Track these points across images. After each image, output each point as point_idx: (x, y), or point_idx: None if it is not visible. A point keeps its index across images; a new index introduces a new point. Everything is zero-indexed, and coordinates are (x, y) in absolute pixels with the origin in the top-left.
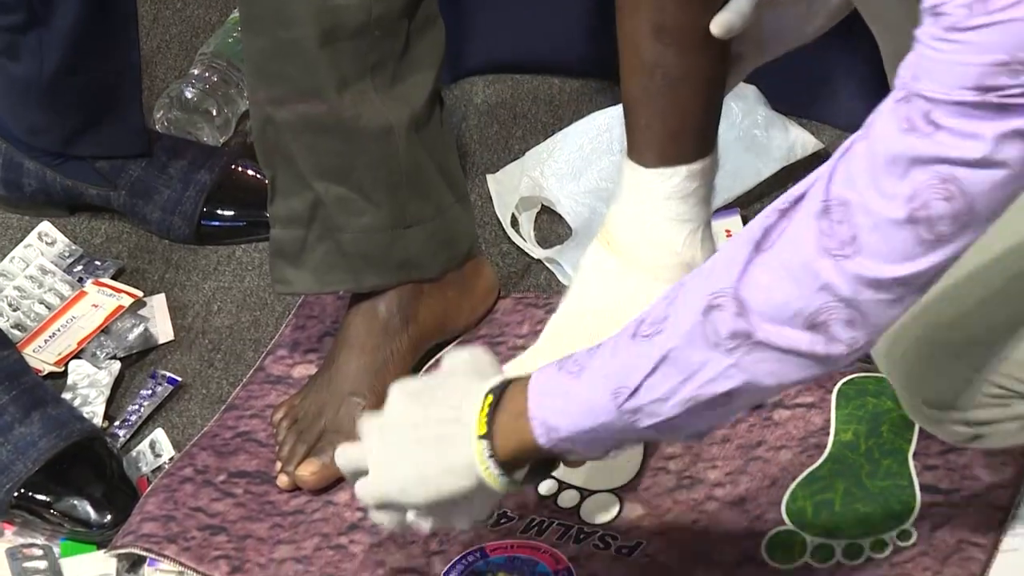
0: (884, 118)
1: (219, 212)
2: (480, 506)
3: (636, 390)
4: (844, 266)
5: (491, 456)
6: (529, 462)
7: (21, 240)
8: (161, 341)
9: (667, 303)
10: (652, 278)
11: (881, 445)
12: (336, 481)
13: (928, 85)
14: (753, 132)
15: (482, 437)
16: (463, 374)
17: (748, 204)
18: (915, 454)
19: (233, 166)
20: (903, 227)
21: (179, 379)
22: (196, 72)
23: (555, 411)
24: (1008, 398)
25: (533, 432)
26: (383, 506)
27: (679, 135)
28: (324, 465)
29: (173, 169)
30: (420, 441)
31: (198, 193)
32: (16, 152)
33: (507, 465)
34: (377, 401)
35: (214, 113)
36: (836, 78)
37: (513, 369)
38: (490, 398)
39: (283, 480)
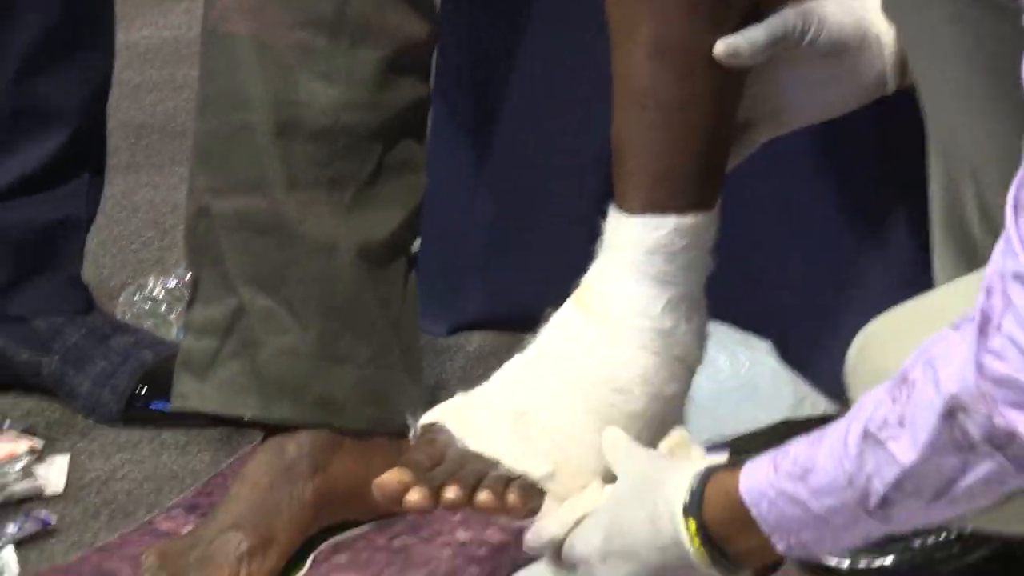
0: None
1: (152, 394)
2: None
3: (888, 500)
4: None
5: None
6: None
7: None
8: (48, 493)
9: (885, 403)
10: (622, 340)
11: None
12: None
13: None
14: (756, 382)
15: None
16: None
17: (741, 449)
18: None
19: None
20: None
21: (51, 521)
22: (179, 269)
23: (793, 521)
24: None
25: (773, 546)
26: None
27: (671, 176)
28: None
29: (115, 342)
30: (638, 540)
31: (135, 369)
32: None
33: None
34: (260, 544)
35: (171, 322)
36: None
37: (449, 408)
38: (692, 525)
39: None
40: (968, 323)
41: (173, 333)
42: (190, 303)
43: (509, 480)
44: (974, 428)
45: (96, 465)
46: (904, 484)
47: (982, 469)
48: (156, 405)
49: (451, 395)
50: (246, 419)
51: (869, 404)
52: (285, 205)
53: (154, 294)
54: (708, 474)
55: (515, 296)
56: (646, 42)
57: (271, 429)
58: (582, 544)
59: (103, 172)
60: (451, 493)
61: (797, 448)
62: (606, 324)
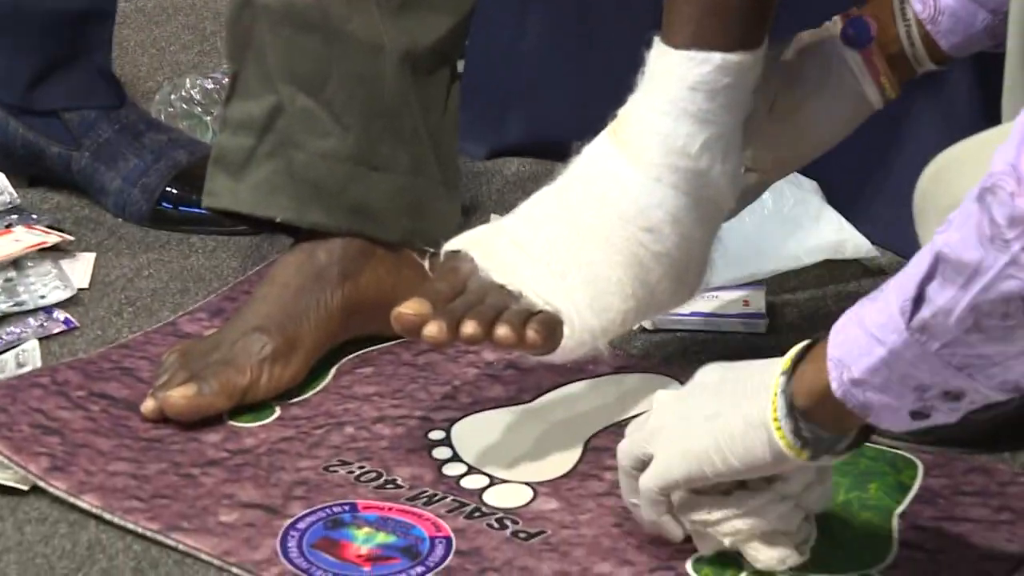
0: None
1: (184, 195)
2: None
3: (918, 300)
4: None
5: (788, 411)
6: (830, 425)
7: None
8: (69, 294)
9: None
10: (654, 177)
11: (864, 500)
12: (211, 419)
13: None
14: (801, 220)
15: (782, 390)
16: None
17: (779, 288)
18: (902, 514)
19: None
20: None
21: (75, 322)
22: (216, 73)
23: (848, 342)
24: None
25: (828, 374)
26: (666, 490)
27: (719, 11)
28: (201, 394)
29: (148, 139)
30: (711, 417)
31: (168, 168)
32: None
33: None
34: (285, 346)
35: (207, 122)
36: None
37: (474, 236)
38: (795, 352)
39: (148, 405)
40: None
41: (208, 135)
42: (228, 98)
43: (530, 314)
44: (999, 210)
45: (122, 263)
46: (936, 280)
47: (1001, 264)
48: (186, 208)
49: (485, 218)
50: (277, 221)
51: (941, 241)
52: (333, 1)
53: (191, 94)
54: (800, 355)
55: (557, 124)
56: None
57: (302, 234)
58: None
59: None
60: (469, 328)
61: (875, 297)
62: (641, 161)
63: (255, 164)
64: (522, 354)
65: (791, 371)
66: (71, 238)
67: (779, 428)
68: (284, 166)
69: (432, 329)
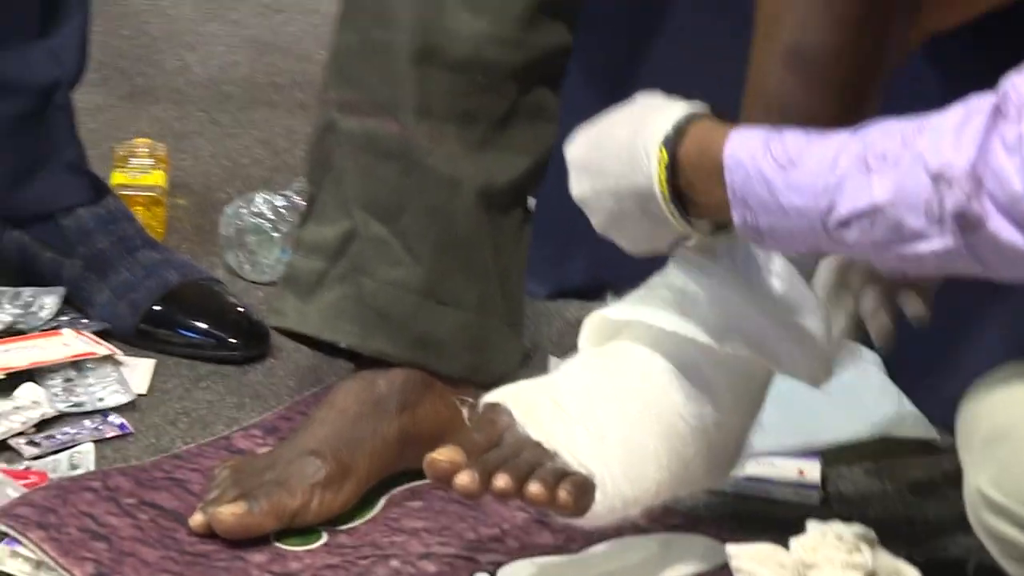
0: None
1: (169, 316)
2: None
3: (847, 223)
4: None
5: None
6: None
7: None
8: (128, 399)
9: (896, 141)
10: (690, 373)
11: None
12: (258, 539)
13: None
14: (861, 393)
15: (666, 198)
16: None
17: (834, 459)
18: None
19: (212, 285)
20: None
21: (130, 428)
22: (287, 190)
23: (757, 201)
24: None
25: (732, 210)
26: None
27: None
28: (250, 513)
29: (143, 256)
30: (622, 214)
31: (158, 287)
32: None
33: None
34: (338, 471)
35: (275, 239)
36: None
37: (514, 391)
38: (664, 156)
39: (197, 519)
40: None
41: (275, 252)
42: (303, 220)
43: (564, 475)
44: (950, 202)
45: (181, 372)
46: (866, 217)
47: (937, 243)
48: (168, 330)
49: (544, 360)
50: (342, 346)
51: (878, 132)
52: (415, 132)
53: (262, 209)
54: (696, 118)
55: (621, 268)
56: (783, 44)
57: (364, 361)
58: (570, 148)
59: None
60: (501, 481)
61: (793, 137)
62: (678, 356)
63: (325, 288)
64: (552, 514)
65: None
66: (119, 352)
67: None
68: (353, 292)
69: (464, 479)
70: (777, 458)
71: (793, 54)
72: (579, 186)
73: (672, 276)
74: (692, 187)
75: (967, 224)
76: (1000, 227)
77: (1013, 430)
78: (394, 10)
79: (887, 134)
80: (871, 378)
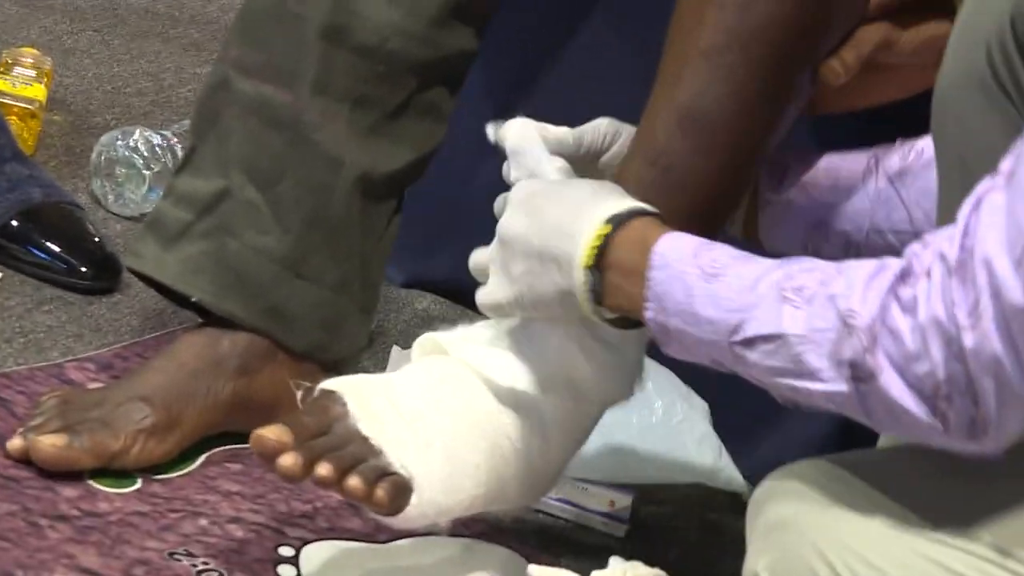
0: None
1: (25, 232)
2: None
3: (751, 343)
4: (971, 335)
5: (592, 291)
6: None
7: None
8: None
9: (816, 278)
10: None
11: None
12: (72, 473)
13: None
14: (685, 438)
15: (588, 269)
16: (583, 187)
17: (647, 497)
18: None
19: (74, 211)
20: None
21: None
22: (167, 130)
23: (673, 303)
24: None
25: (643, 305)
26: (497, 312)
27: None
28: (71, 447)
29: (9, 169)
30: (533, 257)
31: (19, 201)
32: None
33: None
34: (165, 422)
35: (145, 176)
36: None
37: (352, 383)
38: (607, 228)
39: (16, 443)
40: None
41: (143, 189)
42: (179, 169)
43: (384, 473)
44: (848, 350)
45: (26, 290)
46: (770, 343)
47: (831, 386)
48: (22, 247)
49: (386, 346)
50: (192, 300)
51: (800, 267)
52: (308, 106)
53: (137, 144)
54: (645, 213)
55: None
56: (679, 106)
57: (212, 318)
58: (516, 190)
59: None
60: (323, 470)
61: (722, 252)
62: (512, 378)
63: (187, 240)
64: (365, 509)
65: (598, 265)
66: None
67: (587, 305)
68: (215, 249)
69: (288, 461)
70: (592, 485)
71: (687, 116)
72: (513, 225)
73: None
74: (614, 270)
75: (861, 374)
76: (891, 383)
77: (794, 521)
78: None
79: (808, 271)
80: (696, 425)
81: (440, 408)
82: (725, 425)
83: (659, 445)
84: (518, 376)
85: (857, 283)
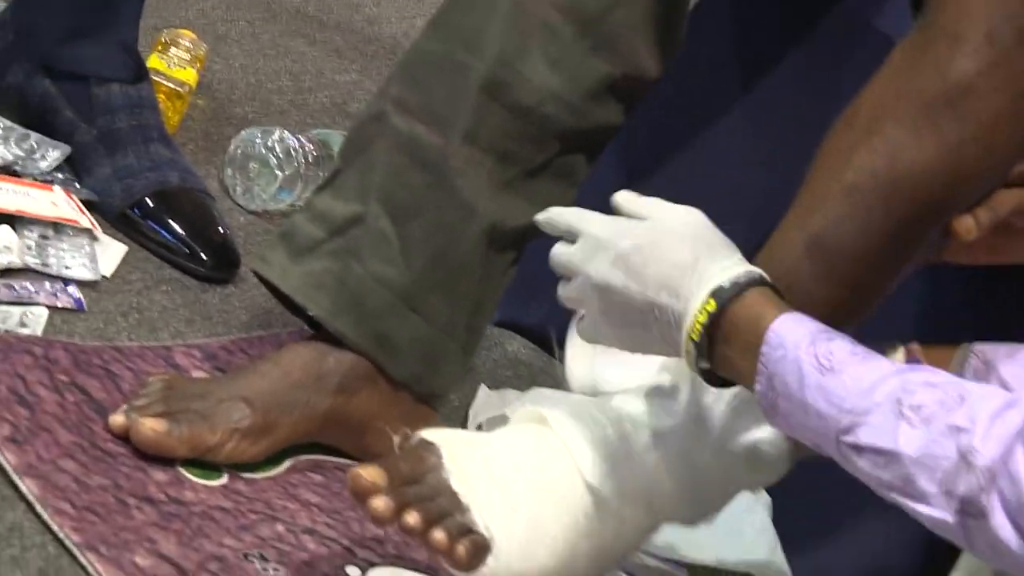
0: None
1: (156, 212)
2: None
3: (861, 450)
4: None
5: (698, 357)
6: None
7: None
8: (92, 277)
9: (936, 398)
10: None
11: None
12: (164, 459)
13: None
14: (744, 527)
15: (695, 341)
16: (682, 239)
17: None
18: None
19: (206, 199)
20: None
21: (84, 305)
22: (305, 135)
23: (783, 385)
24: None
25: (756, 381)
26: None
27: None
28: (169, 434)
29: (154, 149)
30: (634, 317)
31: (156, 181)
32: (15, 47)
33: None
34: (261, 426)
35: (277, 176)
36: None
37: (451, 436)
38: (712, 305)
39: (118, 420)
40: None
41: (272, 188)
42: (320, 187)
43: (467, 531)
44: (963, 485)
45: (148, 268)
46: (882, 456)
47: (938, 512)
48: (152, 224)
49: (473, 383)
50: (309, 314)
51: (920, 382)
52: (455, 152)
53: (274, 144)
54: (762, 282)
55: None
56: (809, 234)
57: (322, 333)
58: (621, 239)
59: None
60: (411, 519)
61: (840, 345)
62: (598, 480)
63: (315, 256)
64: (443, 561)
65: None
66: (99, 229)
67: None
68: (339, 270)
69: (379, 503)
70: (647, 555)
71: (817, 244)
72: (612, 274)
73: (630, 404)
74: (726, 341)
75: (972, 511)
76: (1001, 525)
77: None
78: (484, 40)
79: (928, 387)
80: (756, 516)
81: (530, 476)
82: (782, 522)
83: (719, 529)
84: (604, 482)
85: (981, 418)
